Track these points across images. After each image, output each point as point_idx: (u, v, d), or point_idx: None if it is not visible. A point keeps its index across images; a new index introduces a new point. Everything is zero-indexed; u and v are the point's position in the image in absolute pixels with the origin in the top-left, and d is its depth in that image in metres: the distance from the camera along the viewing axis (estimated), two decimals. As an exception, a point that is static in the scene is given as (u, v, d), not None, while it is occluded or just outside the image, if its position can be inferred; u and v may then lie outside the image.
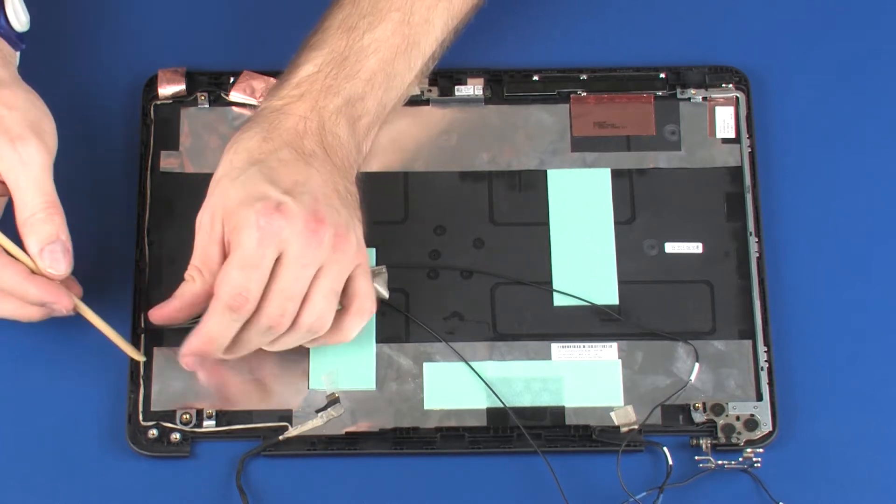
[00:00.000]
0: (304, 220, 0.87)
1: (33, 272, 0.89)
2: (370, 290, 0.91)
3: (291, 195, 0.88)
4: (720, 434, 0.95)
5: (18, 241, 0.89)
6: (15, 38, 0.94)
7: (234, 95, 1.01)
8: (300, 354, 0.95)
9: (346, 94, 0.92)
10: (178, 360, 0.92)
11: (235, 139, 0.91)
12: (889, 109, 1.03)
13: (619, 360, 0.96)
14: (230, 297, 0.87)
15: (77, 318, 0.92)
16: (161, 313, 0.91)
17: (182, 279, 0.94)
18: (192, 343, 0.90)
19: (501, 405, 0.95)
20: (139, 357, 0.95)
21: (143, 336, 0.96)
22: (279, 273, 0.87)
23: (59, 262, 0.89)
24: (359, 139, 0.93)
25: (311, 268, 0.88)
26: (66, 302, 0.90)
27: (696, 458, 0.94)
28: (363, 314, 0.92)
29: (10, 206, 0.90)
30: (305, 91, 0.92)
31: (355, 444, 0.94)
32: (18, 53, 0.95)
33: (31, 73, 0.95)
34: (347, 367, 0.96)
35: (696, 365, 0.96)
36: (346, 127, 0.92)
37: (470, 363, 0.96)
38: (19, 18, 0.94)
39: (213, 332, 0.89)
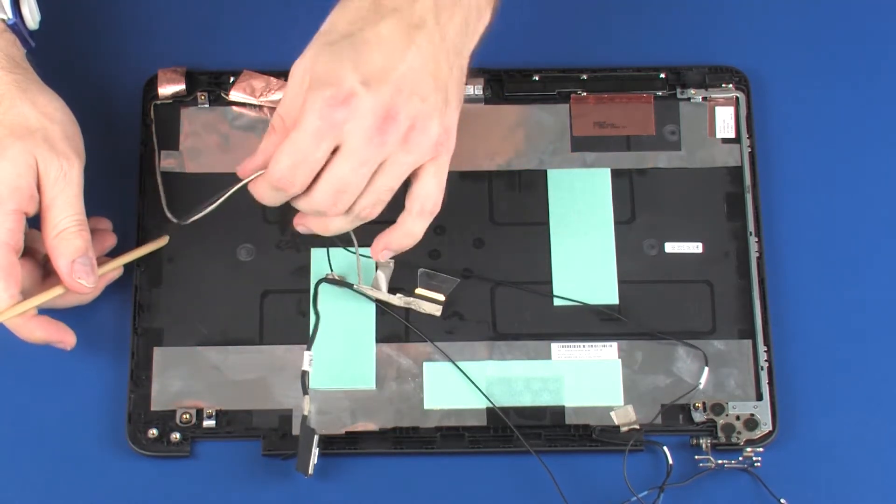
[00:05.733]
0: (374, 115, 0.85)
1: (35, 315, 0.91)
2: (434, 191, 0.89)
3: (369, 85, 0.85)
4: (720, 434, 0.95)
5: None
6: (27, 35, 0.95)
7: (234, 95, 1.01)
8: (300, 354, 0.95)
9: None
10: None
11: None
12: (889, 110, 1.03)
13: (619, 360, 0.96)
14: (276, 178, 0.87)
15: (75, 317, 0.93)
16: (247, 168, 0.90)
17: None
18: (256, 191, 0.90)
19: (502, 405, 0.95)
20: (162, 240, 0.96)
21: (141, 337, 0.96)
22: (334, 163, 0.86)
23: (88, 274, 0.90)
24: (481, 1, 0.89)
25: (370, 164, 0.86)
26: (70, 339, 0.92)
27: (696, 457, 0.94)
28: (424, 216, 0.90)
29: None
30: None
31: (355, 444, 0.94)
32: (25, 52, 0.95)
33: (31, 72, 0.95)
34: (347, 367, 0.96)
35: (706, 369, 0.95)
36: None
37: (468, 364, 0.96)
38: (33, 16, 0.95)
39: (263, 195, 0.89)
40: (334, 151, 0.86)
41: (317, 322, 0.94)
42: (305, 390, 0.93)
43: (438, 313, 0.96)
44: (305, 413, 0.92)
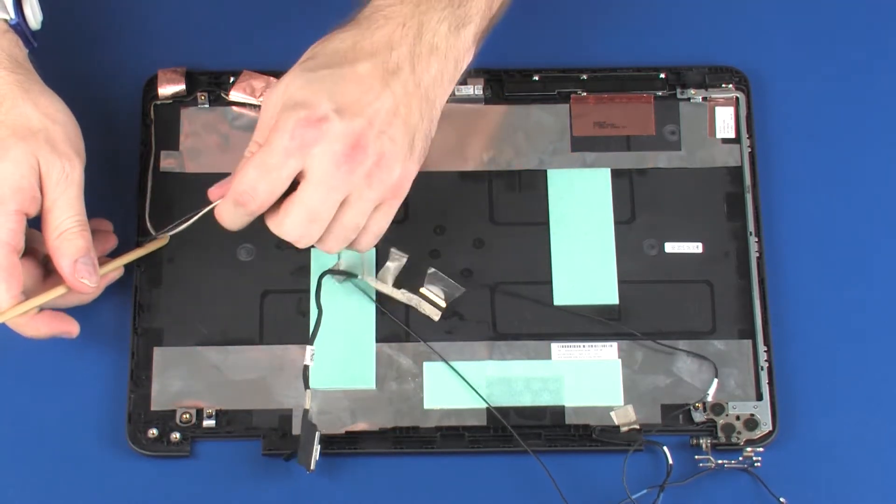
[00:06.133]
0: (344, 142, 0.86)
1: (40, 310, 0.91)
2: (377, 233, 0.90)
3: (343, 113, 0.86)
4: (720, 434, 0.95)
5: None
6: (29, 35, 0.95)
7: (234, 95, 1.01)
8: (300, 355, 0.95)
9: None
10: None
11: (330, 35, 0.89)
12: (889, 110, 1.03)
13: (619, 360, 0.96)
14: (237, 192, 0.88)
15: (76, 317, 0.93)
16: (220, 190, 0.91)
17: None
18: (218, 212, 0.90)
19: (502, 405, 0.95)
20: (163, 240, 0.96)
21: (141, 337, 0.96)
22: (304, 191, 0.87)
23: (90, 274, 0.90)
24: (459, 52, 0.90)
25: (337, 193, 0.87)
26: (74, 329, 0.92)
27: (696, 457, 0.94)
28: (359, 248, 0.91)
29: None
30: None
31: (355, 444, 0.94)
32: (27, 52, 0.95)
33: (31, 72, 0.95)
34: (347, 367, 0.96)
35: (715, 381, 0.95)
36: (447, 36, 0.89)
37: (468, 363, 0.96)
38: (35, 16, 0.95)
39: (223, 215, 0.90)
40: (299, 179, 0.87)
41: (319, 316, 0.94)
42: (307, 384, 0.93)
43: (437, 318, 0.96)
44: (307, 408, 0.93)
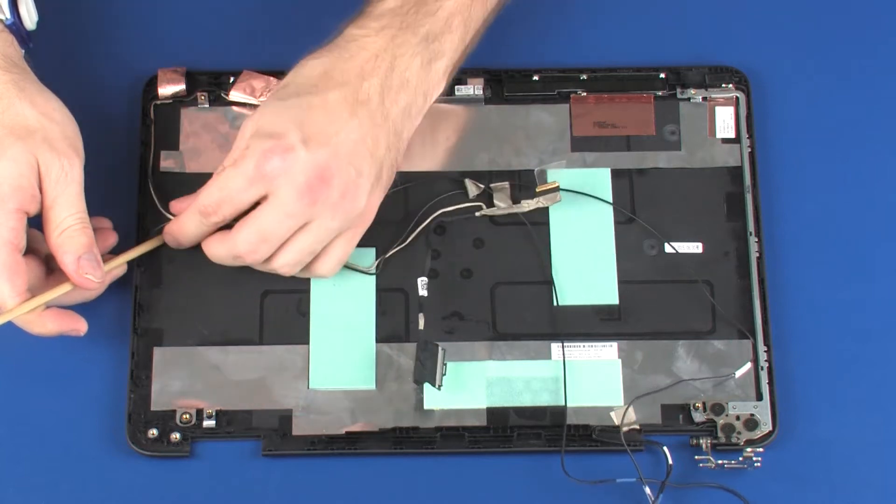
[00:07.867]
0: (307, 174, 0.89)
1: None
2: (339, 258, 0.93)
3: (309, 144, 0.89)
4: (720, 434, 0.95)
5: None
6: (25, 36, 0.95)
7: (234, 95, 1.01)
8: (300, 354, 0.95)
9: (425, 31, 0.92)
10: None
11: (305, 60, 0.92)
12: (889, 109, 1.03)
13: (619, 360, 0.96)
14: (203, 205, 0.91)
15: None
16: (182, 205, 0.95)
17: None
18: (169, 226, 0.95)
19: (502, 405, 0.95)
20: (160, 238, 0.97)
21: (141, 337, 0.96)
22: (262, 211, 0.90)
23: (95, 269, 0.91)
24: (429, 85, 0.93)
25: (296, 219, 0.90)
26: (82, 327, 0.92)
27: (696, 457, 0.94)
28: (316, 272, 0.94)
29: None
30: (386, 25, 0.92)
31: (355, 444, 0.94)
32: (23, 52, 0.95)
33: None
34: (347, 367, 0.96)
35: (749, 363, 0.96)
36: (419, 70, 0.92)
37: (468, 364, 0.96)
38: (31, 16, 0.95)
39: (182, 224, 0.93)
40: (260, 201, 0.90)
41: (435, 256, 0.98)
42: (420, 309, 0.96)
43: (559, 198, 0.98)
44: (421, 328, 0.95)
